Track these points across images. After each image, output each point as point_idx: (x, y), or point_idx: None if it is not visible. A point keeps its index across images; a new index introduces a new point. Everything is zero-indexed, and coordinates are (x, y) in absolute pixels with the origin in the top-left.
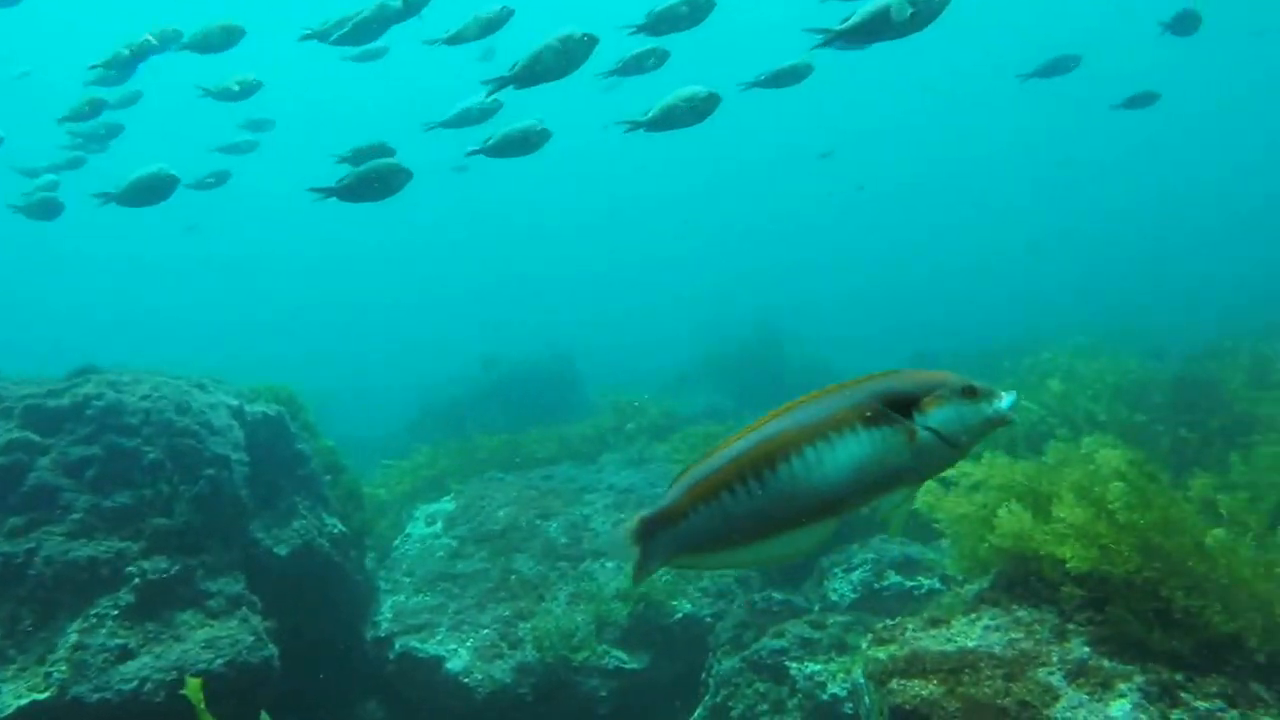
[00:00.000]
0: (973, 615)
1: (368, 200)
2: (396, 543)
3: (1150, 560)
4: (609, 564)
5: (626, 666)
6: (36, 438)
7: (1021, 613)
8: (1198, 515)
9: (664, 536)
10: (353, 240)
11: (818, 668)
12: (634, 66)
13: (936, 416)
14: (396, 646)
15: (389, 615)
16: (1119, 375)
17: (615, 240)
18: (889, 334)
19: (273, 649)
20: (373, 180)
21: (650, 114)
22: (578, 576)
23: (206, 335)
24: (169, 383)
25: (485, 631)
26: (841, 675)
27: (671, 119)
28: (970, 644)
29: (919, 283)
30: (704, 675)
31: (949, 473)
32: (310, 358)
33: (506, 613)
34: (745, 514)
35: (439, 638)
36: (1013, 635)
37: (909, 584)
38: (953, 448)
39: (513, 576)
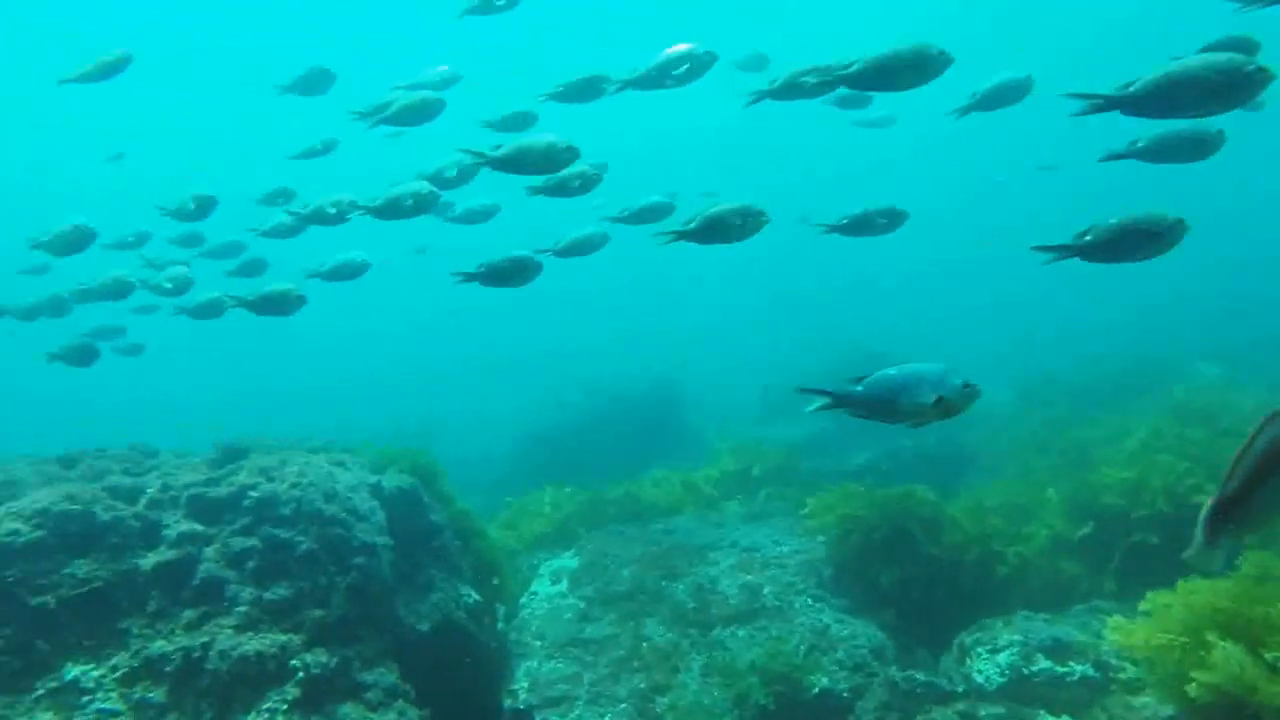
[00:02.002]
0: None
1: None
2: (523, 601)
3: None
4: (740, 632)
5: None
6: (201, 528)
7: None
8: None
9: (1238, 513)
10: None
11: None
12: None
13: None
14: None
15: (525, 685)
16: None
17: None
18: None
19: None
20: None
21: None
22: (709, 645)
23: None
24: (312, 465)
25: (623, 705)
26: None
27: None
28: None
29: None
30: None
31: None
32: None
33: (642, 685)
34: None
35: (577, 712)
36: None
37: (1060, 670)
38: None
39: (644, 644)
